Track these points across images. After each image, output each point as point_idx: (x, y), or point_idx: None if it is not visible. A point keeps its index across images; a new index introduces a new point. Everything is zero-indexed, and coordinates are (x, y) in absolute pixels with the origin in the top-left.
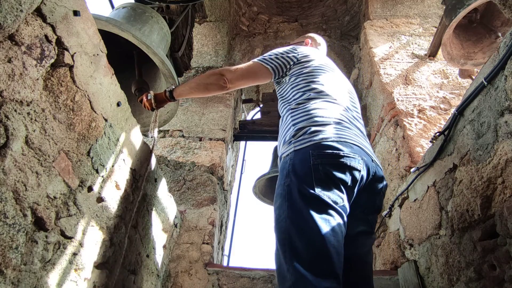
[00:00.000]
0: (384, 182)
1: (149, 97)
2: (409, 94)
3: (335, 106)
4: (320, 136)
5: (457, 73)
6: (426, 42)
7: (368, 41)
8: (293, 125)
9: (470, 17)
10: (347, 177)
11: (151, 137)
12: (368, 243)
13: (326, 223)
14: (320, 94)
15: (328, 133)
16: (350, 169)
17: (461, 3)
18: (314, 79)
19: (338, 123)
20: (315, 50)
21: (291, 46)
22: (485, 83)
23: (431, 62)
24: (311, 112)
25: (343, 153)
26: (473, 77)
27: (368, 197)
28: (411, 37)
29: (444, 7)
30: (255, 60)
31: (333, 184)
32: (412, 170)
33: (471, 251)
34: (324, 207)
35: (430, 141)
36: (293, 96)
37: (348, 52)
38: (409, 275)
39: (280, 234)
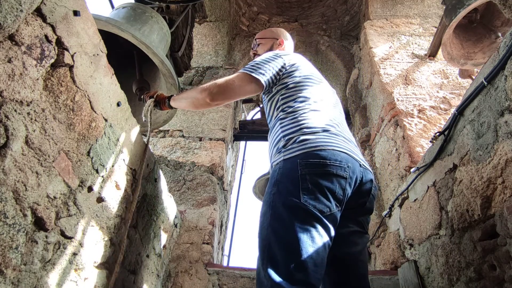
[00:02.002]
0: (374, 185)
1: (154, 98)
2: (409, 94)
3: (322, 114)
4: (308, 145)
5: (457, 73)
6: (426, 42)
7: (368, 41)
8: (283, 135)
9: (470, 17)
10: (334, 186)
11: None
12: (361, 242)
13: (307, 234)
14: (307, 104)
15: (316, 142)
16: (337, 178)
17: (461, 3)
18: (302, 89)
19: (326, 131)
20: (299, 57)
21: (276, 54)
22: (485, 83)
23: (431, 62)
24: (300, 121)
25: (330, 162)
26: (473, 77)
27: (357, 200)
28: (411, 37)
29: (444, 7)
30: (244, 71)
31: (320, 193)
32: (412, 170)
33: (471, 251)
34: (308, 218)
35: (430, 141)
36: (282, 106)
37: (348, 52)
38: (409, 275)
39: (262, 241)
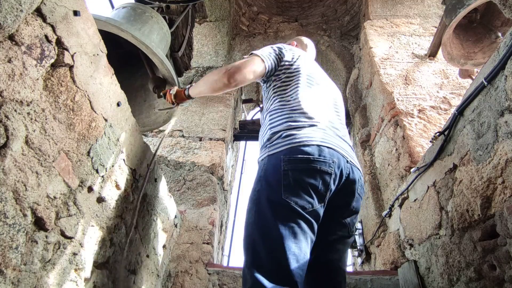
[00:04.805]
0: (361, 184)
1: (171, 92)
2: (409, 94)
3: (312, 111)
4: (293, 141)
5: (457, 73)
6: (426, 42)
7: (368, 41)
8: (270, 129)
9: (470, 17)
10: (317, 182)
11: (165, 133)
12: (344, 249)
13: (289, 231)
14: (298, 100)
15: (301, 137)
16: (321, 173)
17: (461, 3)
18: (296, 85)
19: (312, 126)
20: (303, 53)
21: (278, 45)
22: (485, 83)
23: (431, 62)
24: (287, 116)
25: (313, 158)
26: (473, 77)
27: (343, 198)
28: (411, 37)
29: (444, 7)
30: (256, 53)
31: (302, 189)
32: (412, 170)
33: (471, 251)
34: (290, 214)
35: (430, 141)
36: (273, 99)
37: (348, 52)
38: (409, 275)
39: (246, 237)
